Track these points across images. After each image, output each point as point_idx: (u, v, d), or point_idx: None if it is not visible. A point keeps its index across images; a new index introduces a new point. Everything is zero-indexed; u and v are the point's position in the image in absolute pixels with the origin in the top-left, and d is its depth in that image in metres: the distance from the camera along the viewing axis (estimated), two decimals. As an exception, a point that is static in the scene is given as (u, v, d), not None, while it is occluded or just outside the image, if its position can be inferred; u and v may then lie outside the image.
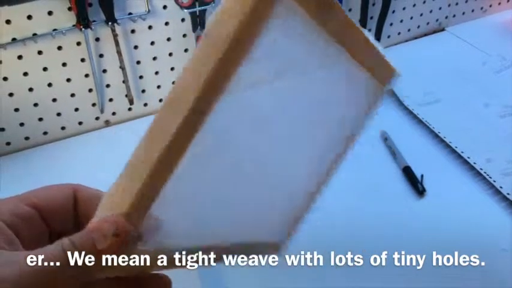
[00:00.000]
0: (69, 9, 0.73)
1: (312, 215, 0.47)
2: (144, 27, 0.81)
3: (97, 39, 0.78)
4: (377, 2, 1.00)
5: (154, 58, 0.85)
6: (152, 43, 0.84)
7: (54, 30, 0.74)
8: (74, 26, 0.75)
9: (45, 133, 0.83)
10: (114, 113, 0.88)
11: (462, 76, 1.00)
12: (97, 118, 0.87)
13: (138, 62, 0.84)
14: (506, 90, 0.95)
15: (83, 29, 0.74)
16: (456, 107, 0.92)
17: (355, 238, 0.69)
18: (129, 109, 0.89)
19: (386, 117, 0.90)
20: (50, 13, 0.73)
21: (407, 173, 0.79)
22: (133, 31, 0.81)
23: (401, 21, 1.08)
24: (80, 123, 0.86)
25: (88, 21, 0.74)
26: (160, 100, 0.91)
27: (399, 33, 1.10)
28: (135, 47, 0.83)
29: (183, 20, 0.83)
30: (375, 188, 0.78)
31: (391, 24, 1.07)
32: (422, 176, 0.79)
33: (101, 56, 0.80)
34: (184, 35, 0.85)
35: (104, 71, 0.82)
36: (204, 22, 0.82)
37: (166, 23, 0.83)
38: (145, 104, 0.90)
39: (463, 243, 0.69)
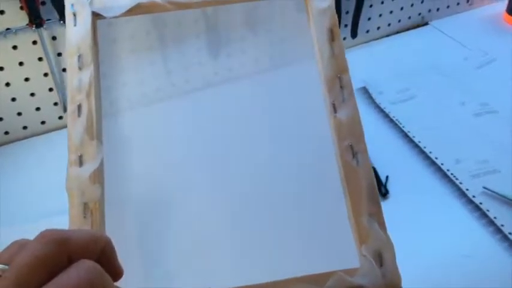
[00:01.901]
0: (21, 8, 0.72)
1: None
2: (103, 25, 0.80)
3: (54, 38, 0.77)
4: (352, -4, 0.97)
5: (117, 56, 0.84)
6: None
7: (7, 29, 0.73)
8: (27, 25, 0.73)
9: (6, 133, 0.82)
10: (77, 112, 0.87)
11: (441, 72, 0.97)
12: (60, 117, 0.86)
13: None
14: (485, 87, 0.92)
15: (36, 28, 0.72)
16: (431, 104, 0.89)
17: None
18: (94, 108, 0.87)
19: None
20: (1, 12, 0.72)
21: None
22: (91, 29, 0.79)
23: (380, 15, 1.04)
24: (43, 122, 0.85)
25: (41, 20, 0.73)
26: (126, 99, 0.89)
27: (379, 28, 1.06)
28: (95, 46, 0.81)
29: (144, 17, 0.81)
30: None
31: (369, 18, 1.04)
32: (387, 177, 0.76)
33: (59, 54, 0.79)
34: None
35: (64, 70, 0.81)
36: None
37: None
38: (111, 103, 0.88)
39: (425, 248, 0.67)
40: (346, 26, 1.01)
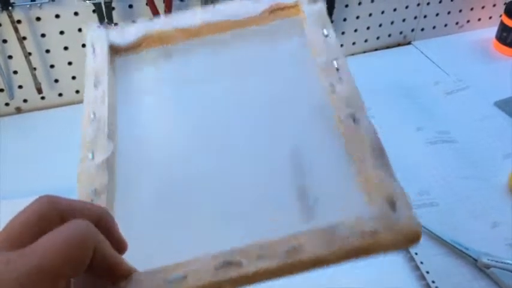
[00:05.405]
0: (-38, -9, 0.72)
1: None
2: (51, 15, 0.79)
3: (-2, 25, 0.77)
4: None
5: (66, 48, 0.83)
6: (62, 32, 0.82)
7: (-50, 12, 0.73)
8: (-31, 9, 0.74)
9: (-49, 115, 0.83)
10: (25, 100, 0.87)
11: (408, 94, 0.92)
12: (7, 104, 0.86)
13: (48, 51, 0.83)
14: (447, 114, 0.87)
15: (-25, 12, 0.73)
16: (386, 128, 0.83)
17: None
18: (42, 98, 0.87)
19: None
20: None
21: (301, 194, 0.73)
22: (38, 19, 0.79)
23: (355, 30, 1.01)
24: (-11, 107, 0.85)
25: (-18, 5, 0.73)
26: (77, 91, 0.89)
27: (354, 43, 1.03)
28: (43, 35, 0.81)
29: (94, 11, 0.81)
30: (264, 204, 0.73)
31: (343, 33, 1.00)
32: (317, 199, 0.72)
33: (5, 41, 0.79)
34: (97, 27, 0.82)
35: (10, 57, 0.81)
36: (110, 14, 0.79)
37: (76, 13, 0.80)
38: (60, 94, 0.88)
39: (346, 276, 0.63)
40: (316, 38, 0.97)
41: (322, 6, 0.53)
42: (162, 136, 0.51)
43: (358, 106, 0.45)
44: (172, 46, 0.55)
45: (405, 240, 0.36)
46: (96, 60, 0.50)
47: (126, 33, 0.53)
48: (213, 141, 0.50)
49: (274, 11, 0.54)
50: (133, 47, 0.53)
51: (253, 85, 0.54)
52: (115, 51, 0.52)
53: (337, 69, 0.48)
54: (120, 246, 0.32)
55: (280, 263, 0.35)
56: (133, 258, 0.34)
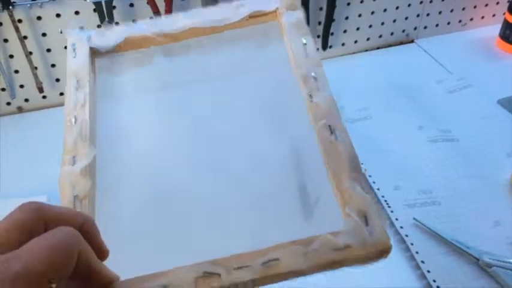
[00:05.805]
0: (-36, -9, 0.73)
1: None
2: (52, 14, 0.79)
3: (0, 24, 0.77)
4: (326, 7, 0.93)
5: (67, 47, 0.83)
6: (62, 32, 0.82)
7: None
8: (-30, 8, 0.74)
9: (-46, 115, 0.83)
10: (27, 100, 0.87)
11: (409, 93, 0.92)
12: (8, 103, 0.86)
13: (49, 50, 0.83)
14: (449, 113, 0.86)
15: (-24, 12, 0.73)
16: (387, 126, 0.84)
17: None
18: (44, 97, 0.87)
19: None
20: None
21: (302, 192, 0.73)
22: (39, 18, 0.79)
23: (357, 28, 1.00)
24: (-9, 107, 0.85)
25: (-18, 5, 0.73)
26: (78, 91, 0.88)
27: (356, 42, 1.02)
28: (43, 35, 0.81)
29: (95, 10, 0.81)
30: (264, 209, 0.72)
31: (345, 31, 0.99)
32: (318, 198, 0.72)
33: (6, 41, 0.79)
34: (98, 26, 0.82)
35: (11, 56, 0.81)
36: (111, 13, 0.79)
37: (77, 12, 0.80)
38: (62, 93, 0.88)
39: (344, 277, 0.63)
40: (318, 36, 0.97)
41: (300, 14, 0.54)
42: (145, 142, 0.51)
43: (335, 117, 0.45)
44: (154, 51, 0.55)
45: (376, 253, 0.37)
46: (77, 62, 0.51)
47: (106, 37, 0.53)
48: (198, 148, 0.50)
49: (253, 16, 0.54)
50: (114, 50, 0.53)
51: (235, 90, 0.54)
52: (96, 53, 0.53)
53: (315, 79, 0.48)
54: (101, 253, 0.32)
55: (257, 275, 0.36)
56: (115, 265, 0.34)
